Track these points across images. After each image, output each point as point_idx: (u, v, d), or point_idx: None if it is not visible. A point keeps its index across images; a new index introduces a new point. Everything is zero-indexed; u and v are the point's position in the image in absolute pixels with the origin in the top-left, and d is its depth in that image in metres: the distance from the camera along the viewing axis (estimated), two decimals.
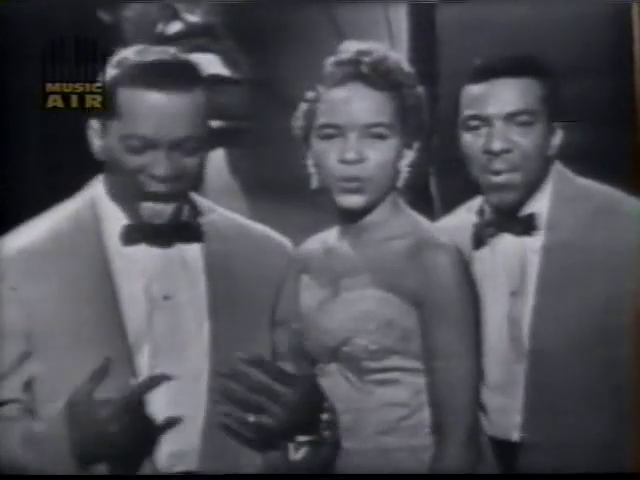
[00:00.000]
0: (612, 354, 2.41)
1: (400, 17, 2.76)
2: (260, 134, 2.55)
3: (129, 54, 2.31)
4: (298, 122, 2.45)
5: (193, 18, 2.85)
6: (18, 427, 2.22)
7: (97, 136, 2.33)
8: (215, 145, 2.87)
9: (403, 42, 2.78)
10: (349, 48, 2.41)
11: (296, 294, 2.45)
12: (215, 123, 2.83)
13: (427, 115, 2.45)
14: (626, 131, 2.56)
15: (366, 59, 2.38)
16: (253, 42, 2.78)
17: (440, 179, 2.72)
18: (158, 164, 2.25)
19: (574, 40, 2.61)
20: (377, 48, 2.41)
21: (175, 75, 2.27)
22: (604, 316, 2.41)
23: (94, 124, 2.33)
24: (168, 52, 2.33)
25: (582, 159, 2.54)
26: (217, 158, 2.88)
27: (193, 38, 2.82)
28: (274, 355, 2.37)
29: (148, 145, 2.24)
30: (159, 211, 2.28)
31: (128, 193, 2.29)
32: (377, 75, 2.37)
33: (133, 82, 2.26)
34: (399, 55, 2.42)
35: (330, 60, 2.41)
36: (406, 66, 2.42)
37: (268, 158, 2.57)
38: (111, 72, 2.31)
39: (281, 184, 2.55)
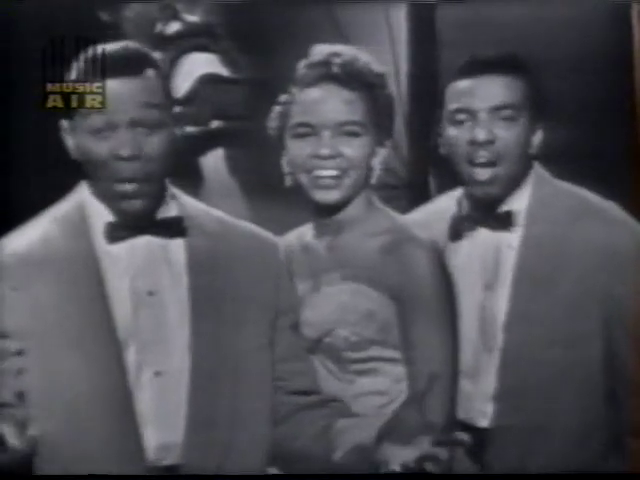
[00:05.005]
0: (580, 352, 2.43)
1: (400, 17, 2.77)
2: (259, 134, 2.55)
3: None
4: (272, 123, 2.49)
5: (193, 18, 2.85)
6: None
7: (68, 135, 2.33)
8: (214, 145, 2.87)
9: (403, 42, 2.79)
10: (320, 51, 2.46)
11: (292, 288, 2.47)
12: (215, 123, 2.84)
13: (401, 114, 2.48)
14: (625, 131, 2.57)
15: (337, 60, 2.42)
16: (253, 42, 2.78)
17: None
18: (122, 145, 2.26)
19: (574, 40, 2.62)
20: (347, 50, 2.45)
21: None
22: (574, 315, 2.44)
23: (64, 124, 2.33)
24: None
25: (573, 160, 2.57)
26: (216, 158, 2.89)
27: (193, 38, 2.83)
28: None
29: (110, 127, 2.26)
30: (132, 196, 2.27)
31: (105, 183, 2.29)
32: (348, 75, 2.42)
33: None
34: (369, 57, 2.45)
35: (302, 63, 2.46)
36: (376, 67, 2.45)
37: (267, 158, 2.57)
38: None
39: (280, 184, 2.55)
